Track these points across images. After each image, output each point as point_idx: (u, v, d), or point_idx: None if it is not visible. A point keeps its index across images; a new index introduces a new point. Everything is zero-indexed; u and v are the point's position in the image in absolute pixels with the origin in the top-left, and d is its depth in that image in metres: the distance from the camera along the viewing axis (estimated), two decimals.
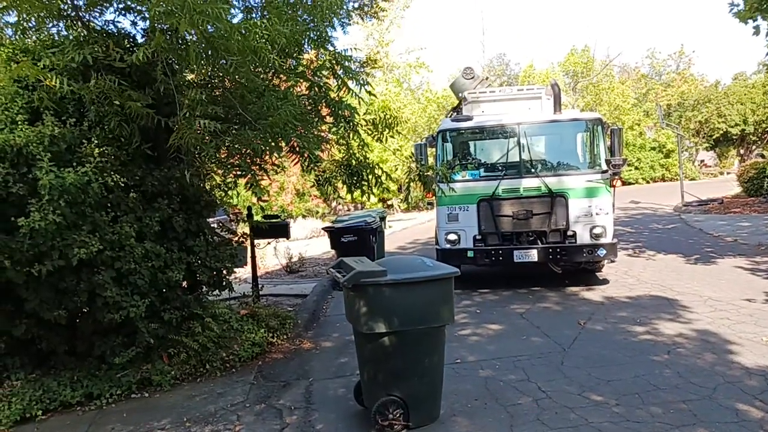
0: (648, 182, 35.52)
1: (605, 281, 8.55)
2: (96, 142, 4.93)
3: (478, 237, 8.22)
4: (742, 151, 37.74)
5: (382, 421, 3.96)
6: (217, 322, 5.91)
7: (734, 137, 35.96)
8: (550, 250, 7.97)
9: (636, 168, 35.49)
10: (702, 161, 41.59)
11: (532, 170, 8.29)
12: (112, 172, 4.87)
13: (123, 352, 5.08)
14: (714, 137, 36.05)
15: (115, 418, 4.63)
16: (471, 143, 9.36)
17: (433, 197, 8.47)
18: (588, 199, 7.99)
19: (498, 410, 4.26)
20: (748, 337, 5.53)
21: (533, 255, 7.99)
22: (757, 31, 10.58)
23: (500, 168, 8.50)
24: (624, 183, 32.35)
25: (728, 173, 36.11)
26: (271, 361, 5.84)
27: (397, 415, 3.97)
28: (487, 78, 9.03)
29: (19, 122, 4.66)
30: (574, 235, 8.00)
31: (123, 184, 5.04)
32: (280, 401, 4.78)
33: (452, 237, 8.33)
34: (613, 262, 8.47)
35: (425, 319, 4.02)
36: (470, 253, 8.21)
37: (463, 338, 6.18)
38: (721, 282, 8.03)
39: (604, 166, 8.10)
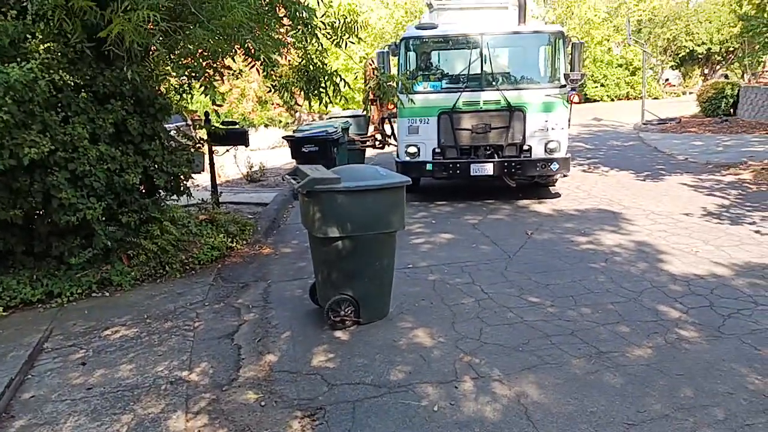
0: (613, 100, 35.71)
1: (557, 195, 8.88)
2: (40, 37, 4.72)
3: (437, 150, 8.30)
4: (706, 71, 38.02)
5: (334, 317, 4.23)
6: (175, 226, 6.00)
7: (700, 56, 36.06)
8: (506, 164, 8.15)
9: (602, 85, 35.44)
10: (666, 80, 41.80)
11: (493, 83, 8.27)
12: (59, 70, 4.71)
13: (81, 253, 5.16)
14: (680, 56, 36.09)
15: (76, 314, 4.78)
16: (434, 53, 9.21)
17: (395, 109, 8.44)
18: (545, 114, 8.10)
19: (443, 309, 4.58)
20: (680, 248, 5.94)
21: (489, 169, 8.18)
22: None
23: (462, 80, 8.45)
24: (589, 100, 32.48)
25: (691, 93, 36.52)
26: (231, 265, 6.02)
27: (349, 312, 4.24)
28: None
29: None
30: (530, 150, 8.18)
31: (72, 84, 4.90)
32: (239, 301, 5.00)
33: (412, 150, 8.39)
34: (565, 176, 8.76)
35: (376, 226, 4.19)
36: (429, 167, 8.32)
37: (416, 246, 6.45)
38: (664, 197, 8.45)
39: (563, 81, 8.16)
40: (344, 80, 5.99)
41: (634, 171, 10.89)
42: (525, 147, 8.17)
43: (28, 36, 4.67)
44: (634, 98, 34.47)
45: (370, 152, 12.64)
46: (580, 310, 4.43)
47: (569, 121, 8.45)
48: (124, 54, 5.00)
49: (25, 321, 4.70)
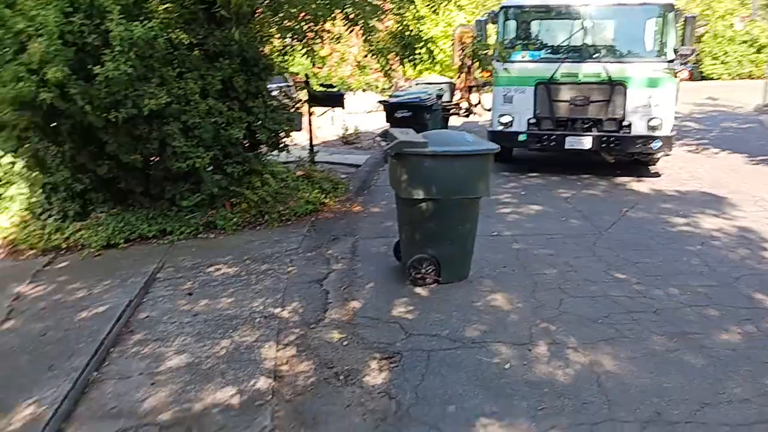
0: (733, 78, 32.79)
1: (657, 174, 8.45)
2: None
3: (532, 121, 8.11)
4: None
5: (415, 274, 4.40)
6: (275, 179, 6.40)
7: None
8: (604, 138, 7.87)
9: (722, 63, 32.58)
10: None
11: (595, 55, 8.01)
12: (176, 30, 5.12)
13: (190, 197, 5.67)
14: None
15: (185, 251, 5.28)
16: (534, 23, 8.97)
17: (490, 77, 8.34)
18: (649, 89, 7.72)
19: (524, 277, 4.62)
20: None
21: (586, 142, 7.93)
22: None
23: (562, 51, 8.22)
24: (705, 78, 30.05)
25: None
26: (323, 219, 6.33)
27: (429, 270, 4.39)
28: None
29: None
30: (630, 125, 7.83)
31: (187, 43, 5.30)
32: (329, 251, 5.31)
33: (505, 119, 8.24)
34: (668, 155, 8.34)
35: (461, 190, 4.28)
36: (522, 137, 8.16)
37: (503, 215, 6.46)
38: None
39: (671, 56, 7.73)
40: (439, 47, 6.03)
41: (748, 154, 10.07)
42: (625, 122, 7.83)
43: None
44: (758, 78, 31.45)
45: (455, 121, 12.59)
46: (668, 290, 4.31)
47: (676, 98, 7.98)
48: (233, 16, 5.35)
49: (142, 253, 5.27)
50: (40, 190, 5.69)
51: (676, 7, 7.94)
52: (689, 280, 4.50)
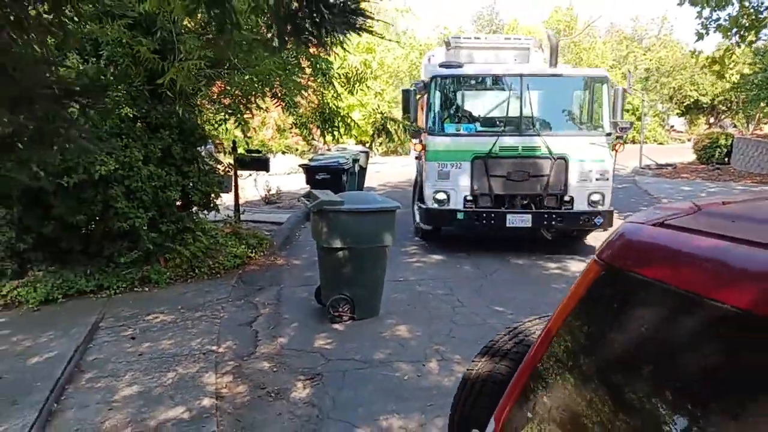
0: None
1: (591, 248, 9.55)
2: (111, 78, 5.89)
3: (469, 198, 7.59)
4: (711, 120, 39.15)
5: (333, 312, 5.24)
6: (205, 236, 7.09)
7: (704, 106, 37.26)
8: (546, 215, 7.47)
9: None
10: (672, 126, 42.92)
11: (533, 128, 7.63)
12: (124, 105, 5.87)
13: (128, 254, 6.24)
14: (685, 104, 37.30)
15: (122, 303, 5.82)
16: (467, 93, 8.72)
17: (423, 150, 7.92)
18: (589, 163, 7.48)
19: (423, 312, 5.58)
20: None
21: (527, 220, 7.45)
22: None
23: (498, 123, 7.86)
24: None
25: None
26: (250, 272, 7.06)
27: (346, 309, 5.25)
28: None
29: None
30: (571, 201, 7.51)
31: (132, 116, 6.05)
32: (256, 299, 6.04)
33: (441, 196, 7.64)
34: (605, 231, 7.67)
35: (371, 240, 5.23)
36: (460, 215, 7.58)
37: (409, 264, 7.46)
38: None
39: (608, 129, 7.63)
40: (354, 121, 7.12)
41: (618, 210, 11.77)
42: (566, 198, 7.51)
43: (102, 77, 5.83)
44: (639, 142, 35.54)
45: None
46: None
47: (614, 171, 7.87)
48: (175, 95, 6.17)
49: (81, 307, 5.75)
50: None
51: (609, 79, 7.95)
52: (550, 309, 5.60)
